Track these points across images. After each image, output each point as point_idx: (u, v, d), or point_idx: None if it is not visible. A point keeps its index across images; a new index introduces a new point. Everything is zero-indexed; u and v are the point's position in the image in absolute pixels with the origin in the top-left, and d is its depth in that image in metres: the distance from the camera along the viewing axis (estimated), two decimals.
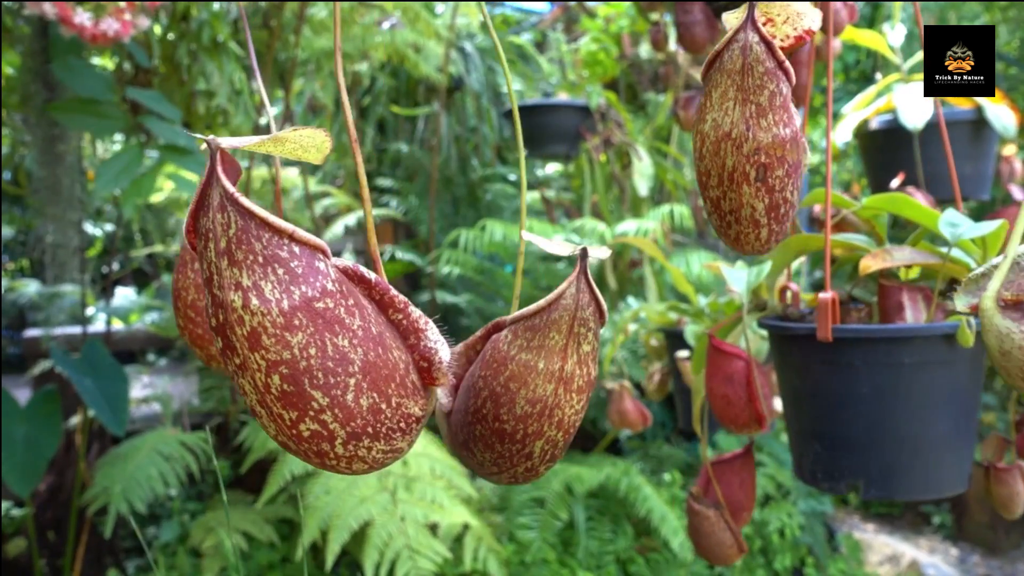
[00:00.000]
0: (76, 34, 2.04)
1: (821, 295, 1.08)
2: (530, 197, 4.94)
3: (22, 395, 3.87)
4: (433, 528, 2.86)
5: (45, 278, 2.95)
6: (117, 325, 4.30)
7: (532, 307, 0.58)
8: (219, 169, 0.49)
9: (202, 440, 3.13)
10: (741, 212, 0.76)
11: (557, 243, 0.56)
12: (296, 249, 0.51)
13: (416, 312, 0.58)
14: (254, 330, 0.50)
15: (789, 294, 1.28)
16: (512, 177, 4.98)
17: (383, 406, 0.55)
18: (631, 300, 4.01)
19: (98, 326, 4.43)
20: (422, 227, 4.71)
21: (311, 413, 0.52)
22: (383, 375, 0.55)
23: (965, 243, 1.03)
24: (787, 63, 0.71)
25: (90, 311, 3.83)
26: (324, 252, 0.53)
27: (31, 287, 4.29)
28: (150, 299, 5.70)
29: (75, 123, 2.25)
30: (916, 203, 1.13)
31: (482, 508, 3.37)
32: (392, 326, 0.58)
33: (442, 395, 0.67)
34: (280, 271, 0.50)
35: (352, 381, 0.53)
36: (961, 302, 0.71)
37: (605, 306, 0.58)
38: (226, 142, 0.50)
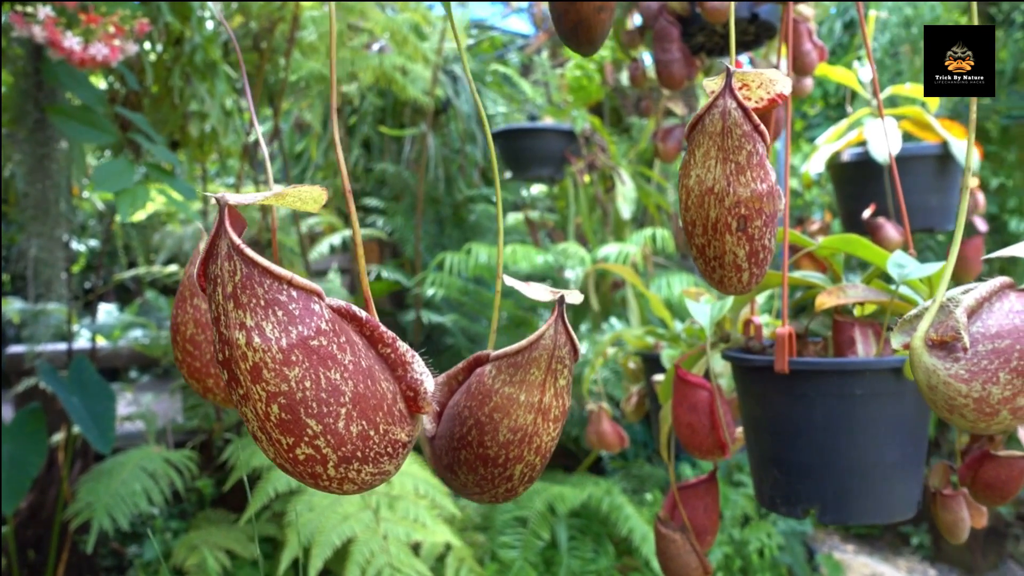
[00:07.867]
0: (64, 57, 2.06)
1: (779, 330, 1.15)
2: (514, 218, 5.00)
3: (4, 412, 3.86)
4: (415, 547, 2.88)
5: (27, 294, 2.96)
6: (101, 342, 4.30)
7: (515, 346, 0.64)
8: (227, 223, 0.56)
9: (186, 458, 3.13)
10: (724, 258, 0.83)
11: (538, 289, 0.62)
12: (294, 293, 0.57)
13: (404, 346, 0.64)
14: (256, 365, 0.56)
15: (752, 327, 1.34)
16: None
17: (371, 432, 0.61)
18: (614, 321, 4.07)
19: (82, 343, 4.42)
20: (408, 246, 4.76)
21: (306, 439, 0.58)
22: (371, 404, 0.60)
23: (913, 282, 1.09)
24: (762, 126, 0.78)
25: (74, 328, 3.83)
26: (319, 295, 0.59)
27: (15, 304, 4.28)
28: (133, 316, 5.69)
29: (69, 129, 2.26)
30: (867, 243, 1.20)
31: (464, 527, 3.39)
32: (381, 359, 0.64)
33: (426, 421, 0.72)
34: (279, 313, 0.56)
35: (343, 411, 0.58)
36: (897, 341, 0.77)
37: (580, 345, 0.64)
38: (234, 199, 0.55)
